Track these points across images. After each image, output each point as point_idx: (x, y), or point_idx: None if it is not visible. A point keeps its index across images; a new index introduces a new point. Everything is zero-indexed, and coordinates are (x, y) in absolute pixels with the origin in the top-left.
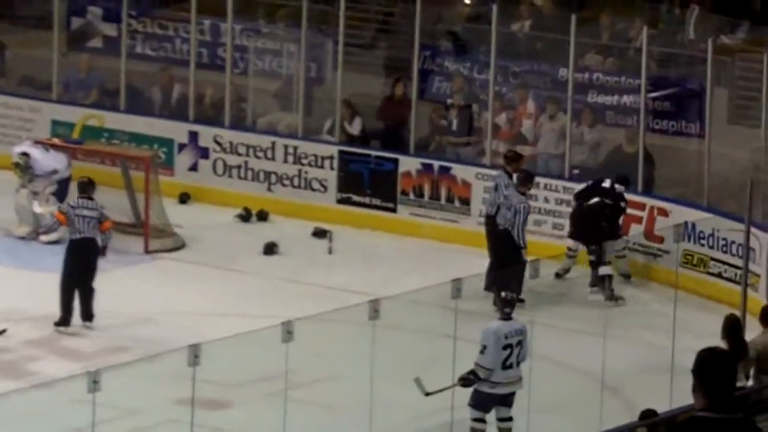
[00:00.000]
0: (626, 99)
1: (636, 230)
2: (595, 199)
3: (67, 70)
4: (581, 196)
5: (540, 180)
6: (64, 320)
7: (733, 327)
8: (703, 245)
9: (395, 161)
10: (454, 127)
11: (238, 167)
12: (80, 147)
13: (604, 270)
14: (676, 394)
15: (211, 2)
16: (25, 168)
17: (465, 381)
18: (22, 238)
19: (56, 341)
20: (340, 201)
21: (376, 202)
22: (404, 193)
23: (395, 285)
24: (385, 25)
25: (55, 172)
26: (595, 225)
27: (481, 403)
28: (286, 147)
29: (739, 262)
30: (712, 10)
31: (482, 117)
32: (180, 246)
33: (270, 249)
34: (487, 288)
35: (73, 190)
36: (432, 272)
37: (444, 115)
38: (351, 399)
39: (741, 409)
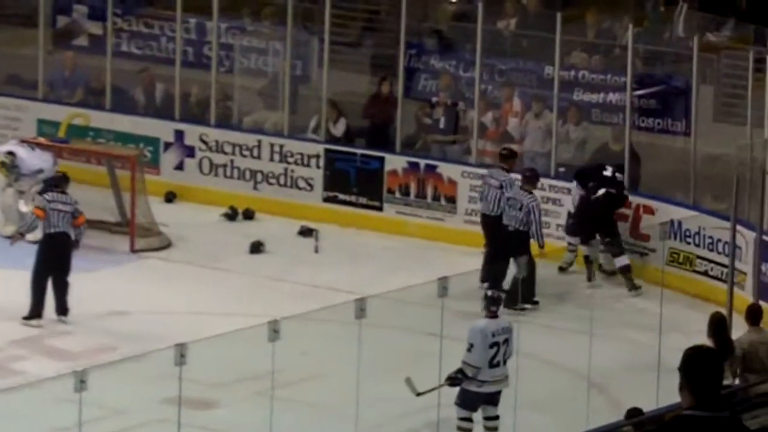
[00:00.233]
0: (612, 97)
1: (622, 228)
2: (602, 191)
3: (52, 68)
4: (584, 185)
5: None
6: (35, 314)
7: (719, 325)
8: (689, 243)
9: (381, 160)
10: (442, 125)
11: (224, 166)
12: (66, 146)
13: (622, 260)
14: (663, 392)
15: (196, 0)
16: (11, 167)
17: (453, 380)
18: (9, 237)
19: (43, 341)
20: (327, 199)
21: (363, 200)
22: (390, 191)
23: (381, 283)
24: (370, 23)
25: (41, 171)
26: (607, 217)
27: (467, 402)
28: (272, 146)
29: (726, 260)
30: (698, 8)
31: (468, 115)
32: (166, 245)
33: (256, 248)
34: (511, 299)
35: None
36: (418, 271)
37: (429, 113)
38: (338, 398)
39: (727, 408)
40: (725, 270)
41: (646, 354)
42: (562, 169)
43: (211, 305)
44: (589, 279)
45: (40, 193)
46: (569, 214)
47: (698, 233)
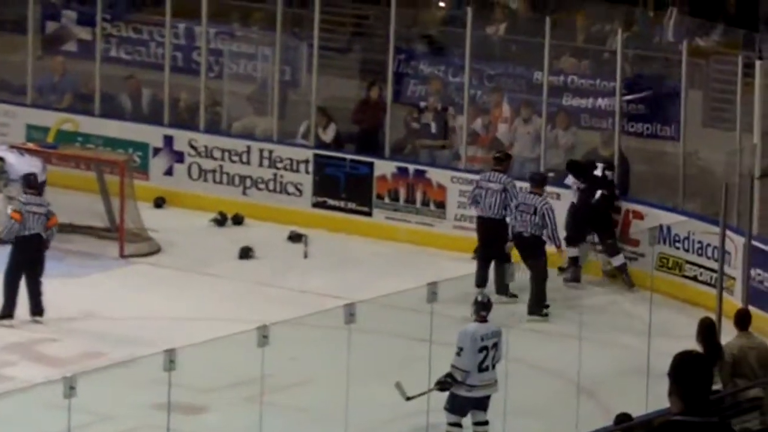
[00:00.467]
0: (601, 102)
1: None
2: (598, 194)
3: (41, 74)
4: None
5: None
6: (6, 313)
7: (708, 330)
8: (678, 248)
9: (370, 165)
10: (432, 129)
11: (214, 171)
12: (55, 151)
13: (619, 259)
14: (652, 397)
15: (185, 6)
16: (0, 172)
17: (442, 385)
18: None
19: (32, 347)
20: (316, 205)
21: (352, 205)
22: (379, 196)
23: (371, 289)
24: (359, 29)
25: None
26: (606, 218)
27: (457, 407)
28: (261, 151)
29: (715, 265)
30: (687, 13)
31: (457, 120)
32: (155, 250)
33: (245, 253)
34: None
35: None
36: (407, 276)
37: (417, 118)
38: (327, 403)
39: (717, 413)
40: (714, 275)
41: (636, 359)
42: (551, 174)
43: (200, 311)
44: (577, 280)
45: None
46: (566, 224)
47: (687, 238)
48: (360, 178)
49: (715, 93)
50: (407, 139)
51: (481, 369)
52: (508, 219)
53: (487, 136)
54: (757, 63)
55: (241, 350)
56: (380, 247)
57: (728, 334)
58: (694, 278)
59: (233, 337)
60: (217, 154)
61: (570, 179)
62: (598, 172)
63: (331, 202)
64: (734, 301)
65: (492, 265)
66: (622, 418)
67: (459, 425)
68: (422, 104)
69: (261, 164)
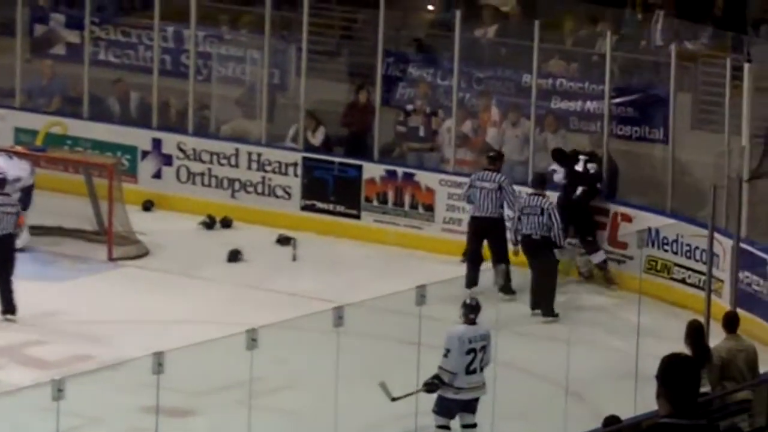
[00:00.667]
0: (590, 105)
1: (600, 236)
2: (579, 189)
3: (30, 77)
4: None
5: None
6: None
7: (696, 333)
8: (666, 251)
9: (359, 168)
10: (421, 132)
11: (202, 174)
12: (43, 154)
13: (599, 256)
14: (641, 400)
15: (174, 9)
16: None
17: (429, 386)
18: None
19: (20, 349)
20: (304, 208)
21: (340, 209)
22: (368, 199)
23: (359, 292)
24: (348, 32)
25: (18, 179)
26: (586, 214)
27: (445, 409)
28: (249, 154)
29: (703, 268)
30: (675, 16)
31: (446, 123)
32: (144, 253)
33: (234, 256)
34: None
35: (37, 197)
36: (396, 279)
37: (403, 122)
38: (316, 406)
39: (705, 415)
40: (703, 277)
41: (624, 362)
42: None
43: (188, 314)
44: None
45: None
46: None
47: (676, 241)
48: (348, 181)
49: (703, 96)
50: (396, 142)
51: (469, 371)
52: (508, 214)
53: (477, 139)
54: (746, 66)
55: (230, 353)
56: (369, 250)
57: (716, 337)
58: (683, 281)
59: (222, 340)
60: (205, 157)
61: (556, 167)
62: (579, 167)
63: (319, 205)
64: (722, 303)
65: (483, 265)
66: (611, 421)
67: (447, 428)
68: (409, 107)
69: (250, 167)
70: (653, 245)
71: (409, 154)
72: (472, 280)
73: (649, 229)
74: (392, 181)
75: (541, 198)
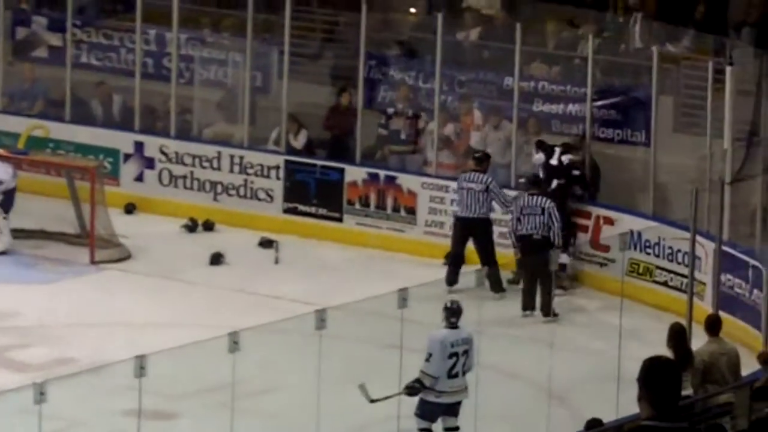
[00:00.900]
0: (572, 108)
1: (582, 239)
2: (554, 183)
3: (12, 80)
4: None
5: None
6: None
7: (678, 335)
8: (649, 254)
9: (341, 171)
10: (403, 135)
11: (184, 177)
12: (25, 157)
13: (564, 258)
14: (623, 403)
15: (156, 12)
16: None
17: (411, 389)
18: None
19: (2, 352)
20: (287, 211)
21: (323, 211)
22: (350, 202)
23: (342, 295)
24: (330, 35)
25: (0, 182)
26: (562, 208)
27: (427, 412)
28: (231, 157)
29: (685, 271)
30: (655, 18)
31: (428, 126)
32: (126, 257)
33: (216, 259)
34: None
35: (19, 200)
36: (378, 282)
37: (384, 125)
38: (298, 409)
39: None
40: (685, 280)
41: (606, 364)
42: (522, 180)
43: (171, 317)
44: (516, 282)
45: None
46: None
47: (658, 244)
48: (331, 184)
49: (685, 98)
50: (378, 145)
51: (451, 375)
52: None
53: (460, 142)
54: (728, 69)
55: (212, 356)
56: (351, 253)
57: (699, 340)
58: (665, 284)
59: (204, 344)
60: (187, 160)
61: (539, 157)
62: (554, 161)
63: (302, 208)
64: (705, 306)
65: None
66: (593, 424)
67: (429, 431)
68: (390, 110)
69: (232, 170)
70: (635, 248)
71: (391, 157)
72: (451, 280)
73: (631, 232)
74: (374, 184)
75: (539, 198)
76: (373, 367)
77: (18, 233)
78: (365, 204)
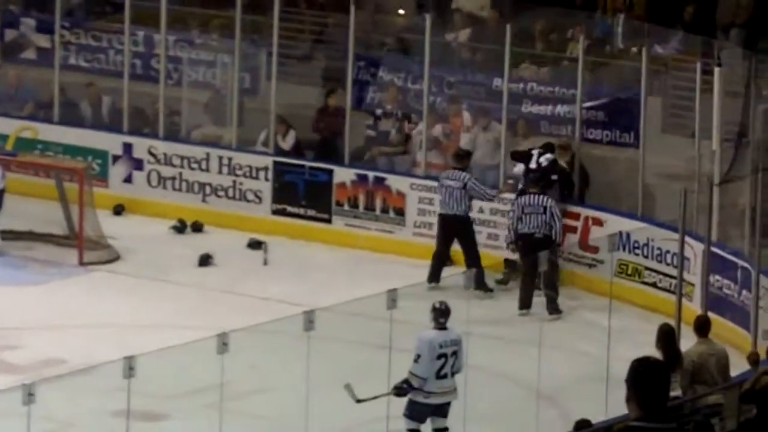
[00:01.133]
0: (561, 109)
1: (571, 240)
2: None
3: (0, 82)
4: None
5: None
6: None
7: (667, 336)
8: (637, 255)
9: (330, 172)
10: (392, 137)
11: (173, 179)
12: (14, 159)
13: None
14: (612, 403)
15: (144, 13)
16: None
17: (399, 390)
18: None
19: None
20: (275, 212)
21: (311, 213)
22: (339, 204)
23: (330, 296)
24: (319, 36)
25: None
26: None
27: (415, 413)
28: (220, 158)
29: (674, 272)
30: (644, 20)
31: (417, 127)
32: (114, 258)
33: (205, 260)
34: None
35: (7, 201)
36: (367, 283)
37: (372, 126)
38: (286, 410)
39: (675, 419)
40: (674, 281)
41: (595, 365)
42: (510, 181)
43: (159, 318)
44: (505, 282)
45: None
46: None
47: (647, 245)
48: (319, 186)
49: (674, 100)
50: (366, 146)
51: (440, 376)
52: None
53: (449, 143)
54: (716, 70)
55: (201, 357)
56: (340, 254)
57: (688, 341)
58: (654, 285)
59: (193, 345)
60: (176, 161)
61: (518, 168)
62: (533, 165)
63: (290, 209)
64: (693, 307)
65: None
66: (582, 425)
67: (418, 431)
68: (378, 112)
69: (220, 171)
70: (624, 249)
71: (380, 158)
72: (431, 277)
73: (620, 233)
74: (363, 185)
75: (541, 197)
76: (361, 368)
77: (6, 234)
78: (354, 205)
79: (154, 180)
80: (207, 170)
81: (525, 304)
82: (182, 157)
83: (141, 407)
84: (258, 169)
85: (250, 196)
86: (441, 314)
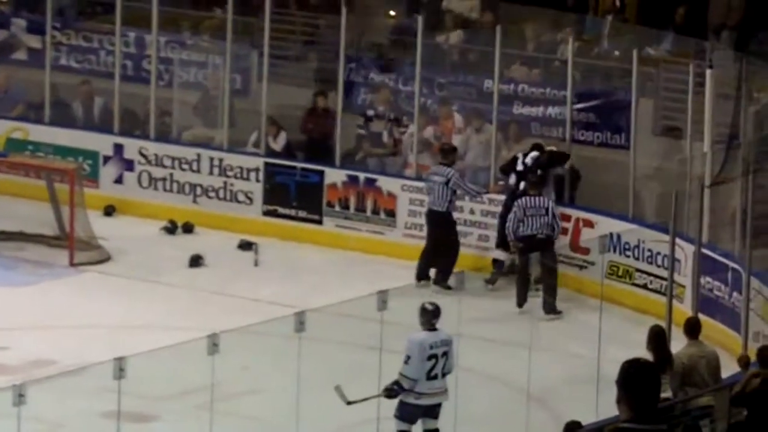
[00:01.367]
0: (552, 110)
1: (562, 242)
2: (523, 184)
3: None
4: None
5: None
6: None
7: (658, 338)
8: (628, 256)
9: (321, 173)
10: (384, 138)
11: (164, 179)
12: (4, 159)
13: (499, 254)
14: (602, 405)
15: (135, 14)
16: None
17: (389, 392)
18: None
19: None
20: (266, 213)
21: (302, 214)
22: (330, 205)
23: (321, 297)
24: (310, 37)
25: None
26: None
27: (406, 415)
28: (211, 159)
29: (665, 274)
30: (635, 21)
31: (408, 128)
32: (105, 259)
33: (196, 261)
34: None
35: None
36: (358, 284)
37: (363, 127)
38: (277, 411)
39: (665, 421)
40: (664, 283)
41: (586, 367)
42: (501, 182)
43: (150, 319)
44: (492, 282)
45: None
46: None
47: (638, 246)
48: (310, 187)
49: (665, 102)
50: (357, 147)
51: (430, 377)
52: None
53: (440, 145)
54: (708, 72)
55: (192, 359)
56: (331, 255)
57: (678, 343)
58: (644, 286)
59: (183, 346)
60: (167, 162)
61: (512, 179)
62: (519, 167)
63: (281, 210)
64: (684, 309)
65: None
66: (572, 426)
67: None
68: (369, 113)
69: (211, 172)
70: (615, 251)
71: (370, 159)
72: (419, 274)
73: (611, 235)
74: (354, 187)
75: (542, 198)
76: (352, 369)
77: None
78: (345, 206)
79: (144, 181)
80: (198, 171)
81: (523, 303)
82: (173, 158)
83: (131, 408)
84: (249, 170)
85: (241, 197)
86: (431, 315)
